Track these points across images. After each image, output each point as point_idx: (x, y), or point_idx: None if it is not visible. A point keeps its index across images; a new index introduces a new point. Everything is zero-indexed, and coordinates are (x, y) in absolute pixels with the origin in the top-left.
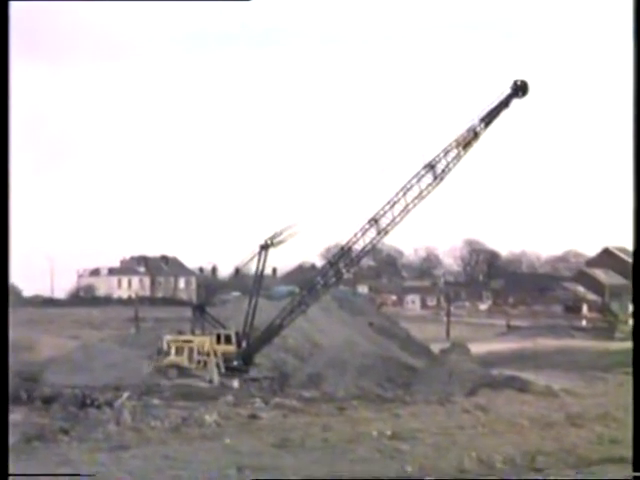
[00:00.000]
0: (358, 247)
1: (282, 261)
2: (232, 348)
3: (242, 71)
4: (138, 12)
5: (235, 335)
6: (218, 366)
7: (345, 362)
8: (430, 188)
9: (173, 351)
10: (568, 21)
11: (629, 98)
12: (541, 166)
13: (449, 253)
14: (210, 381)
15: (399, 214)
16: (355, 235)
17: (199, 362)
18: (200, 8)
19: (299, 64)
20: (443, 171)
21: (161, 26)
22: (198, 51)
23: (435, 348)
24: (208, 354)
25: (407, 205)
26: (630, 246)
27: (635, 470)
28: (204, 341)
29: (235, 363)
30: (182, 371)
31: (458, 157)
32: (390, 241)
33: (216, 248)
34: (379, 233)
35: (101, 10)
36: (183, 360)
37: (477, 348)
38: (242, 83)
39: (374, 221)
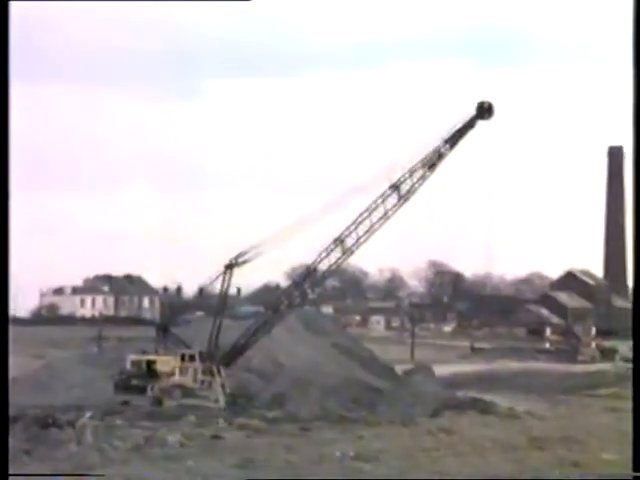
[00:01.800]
0: (323, 267)
1: (247, 281)
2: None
3: (210, 92)
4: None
5: (199, 355)
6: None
7: (309, 383)
8: (395, 208)
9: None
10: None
11: (597, 123)
12: (506, 188)
13: (414, 274)
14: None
15: (364, 234)
16: (320, 255)
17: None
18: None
19: (267, 87)
20: (408, 191)
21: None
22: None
23: (399, 369)
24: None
25: (372, 225)
26: (594, 269)
27: (635, 470)
28: (168, 361)
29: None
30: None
31: (423, 178)
32: (355, 262)
33: (181, 268)
34: (344, 253)
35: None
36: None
37: (441, 370)
38: (205, 104)
39: (339, 241)
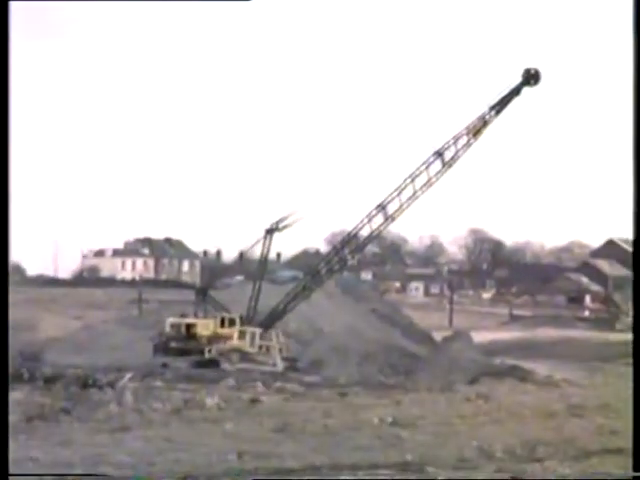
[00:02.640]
0: (364, 233)
1: (286, 246)
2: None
3: (249, 62)
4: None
5: (239, 319)
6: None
7: (347, 348)
8: (439, 175)
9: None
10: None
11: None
12: (547, 156)
13: (453, 241)
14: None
15: (406, 201)
16: (362, 221)
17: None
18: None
19: (310, 52)
20: (452, 158)
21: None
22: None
23: (438, 336)
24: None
25: (415, 192)
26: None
27: (635, 470)
28: (208, 324)
29: None
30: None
31: (468, 145)
32: (395, 228)
33: (221, 232)
34: (386, 220)
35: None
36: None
37: (480, 337)
38: (248, 74)
39: (381, 207)
